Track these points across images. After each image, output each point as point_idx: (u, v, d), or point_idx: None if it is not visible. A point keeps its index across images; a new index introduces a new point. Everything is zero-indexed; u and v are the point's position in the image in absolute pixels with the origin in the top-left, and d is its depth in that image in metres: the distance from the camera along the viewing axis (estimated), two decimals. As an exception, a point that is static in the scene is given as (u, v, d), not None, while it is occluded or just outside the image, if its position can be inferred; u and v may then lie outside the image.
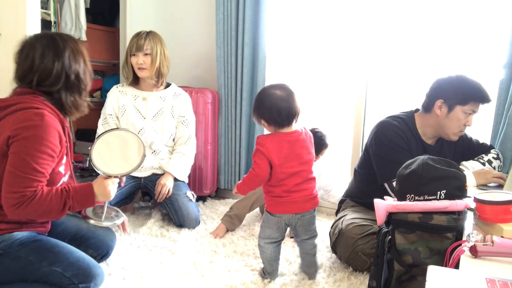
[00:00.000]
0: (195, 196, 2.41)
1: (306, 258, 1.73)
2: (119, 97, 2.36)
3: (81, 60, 1.47)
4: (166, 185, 2.27)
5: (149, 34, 2.33)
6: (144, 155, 1.62)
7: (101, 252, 1.72)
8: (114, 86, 2.42)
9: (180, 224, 2.28)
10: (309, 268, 1.73)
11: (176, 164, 2.36)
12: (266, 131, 1.70)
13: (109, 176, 1.51)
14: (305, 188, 1.64)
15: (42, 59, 1.39)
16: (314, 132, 2.48)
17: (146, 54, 2.28)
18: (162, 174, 2.35)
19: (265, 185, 1.65)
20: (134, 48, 2.28)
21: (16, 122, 1.33)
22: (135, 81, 2.40)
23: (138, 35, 2.32)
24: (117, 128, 1.95)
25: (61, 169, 1.45)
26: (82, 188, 1.44)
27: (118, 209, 1.73)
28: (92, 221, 1.54)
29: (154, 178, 2.35)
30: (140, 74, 2.32)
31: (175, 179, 2.35)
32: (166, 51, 2.38)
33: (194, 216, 2.28)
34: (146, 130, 2.34)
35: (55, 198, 1.36)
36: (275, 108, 1.57)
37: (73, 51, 1.45)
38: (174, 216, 2.28)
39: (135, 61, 2.29)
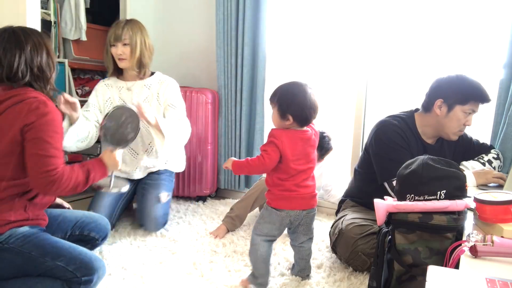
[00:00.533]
0: (170, 197, 2.27)
1: (301, 263, 1.72)
2: (104, 91, 2.29)
3: (43, 53, 1.50)
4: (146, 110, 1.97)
5: (128, 22, 2.22)
6: (139, 127, 1.76)
7: (102, 234, 1.79)
8: (101, 80, 2.36)
9: (141, 224, 2.23)
10: (302, 272, 1.73)
11: (167, 121, 2.16)
12: (270, 126, 1.68)
13: (115, 148, 1.66)
14: (310, 185, 1.64)
15: (5, 54, 1.43)
16: (322, 136, 2.51)
17: (125, 44, 2.17)
18: (157, 172, 2.30)
19: (274, 178, 1.61)
20: (112, 38, 2.18)
21: (24, 112, 1.40)
22: (119, 72, 2.31)
23: (116, 24, 2.21)
24: (123, 105, 1.91)
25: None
26: (96, 162, 1.58)
27: (123, 178, 1.79)
28: (103, 190, 1.68)
29: (149, 176, 2.32)
30: (120, 64, 2.22)
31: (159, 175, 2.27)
32: (148, 39, 2.26)
33: (154, 216, 2.16)
34: None
35: (79, 172, 1.48)
36: (309, 107, 1.56)
37: (35, 44, 1.47)
38: (138, 215, 2.25)
39: (114, 51, 2.19)
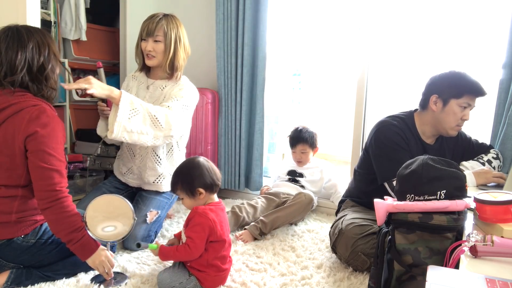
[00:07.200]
0: (160, 215, 2.05)
1: None
2: (129, 81, 2.17)
3: (46, 52, 1.50)
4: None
5: (164, 18, 2.02)
6: (132, 225, 1.63)
7: None
8: (130, 73, 2.22)
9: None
10: None
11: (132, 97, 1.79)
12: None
13: (104, 246, 1.59)
14: (229, 259, 1.69)
15: (7, 52, 1.44)
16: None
17: (156, 41, 2.00)
18: (152, 192, 2.11)
19: (209, 259, 1.57)
20: (144, 32, 2.00)
21: (24, 122, 1.42)
22: (147, 69, 2.12)
23: (151, 18, 2.02)
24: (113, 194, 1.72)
25: None
26: (91, 241, 1.53)
27: (122, 272, 1.72)
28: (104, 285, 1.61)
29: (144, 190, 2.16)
30: (147, 62, 2.04)
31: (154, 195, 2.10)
32: (184, 39, 2.07)
33: (134, 234, 1.92)
34: None
35: (75, 217, 1.48)
36: (208, 173, 1.61)
37: (38, 43, 1.48)
38: None
39: (144, 46, 2.01)
